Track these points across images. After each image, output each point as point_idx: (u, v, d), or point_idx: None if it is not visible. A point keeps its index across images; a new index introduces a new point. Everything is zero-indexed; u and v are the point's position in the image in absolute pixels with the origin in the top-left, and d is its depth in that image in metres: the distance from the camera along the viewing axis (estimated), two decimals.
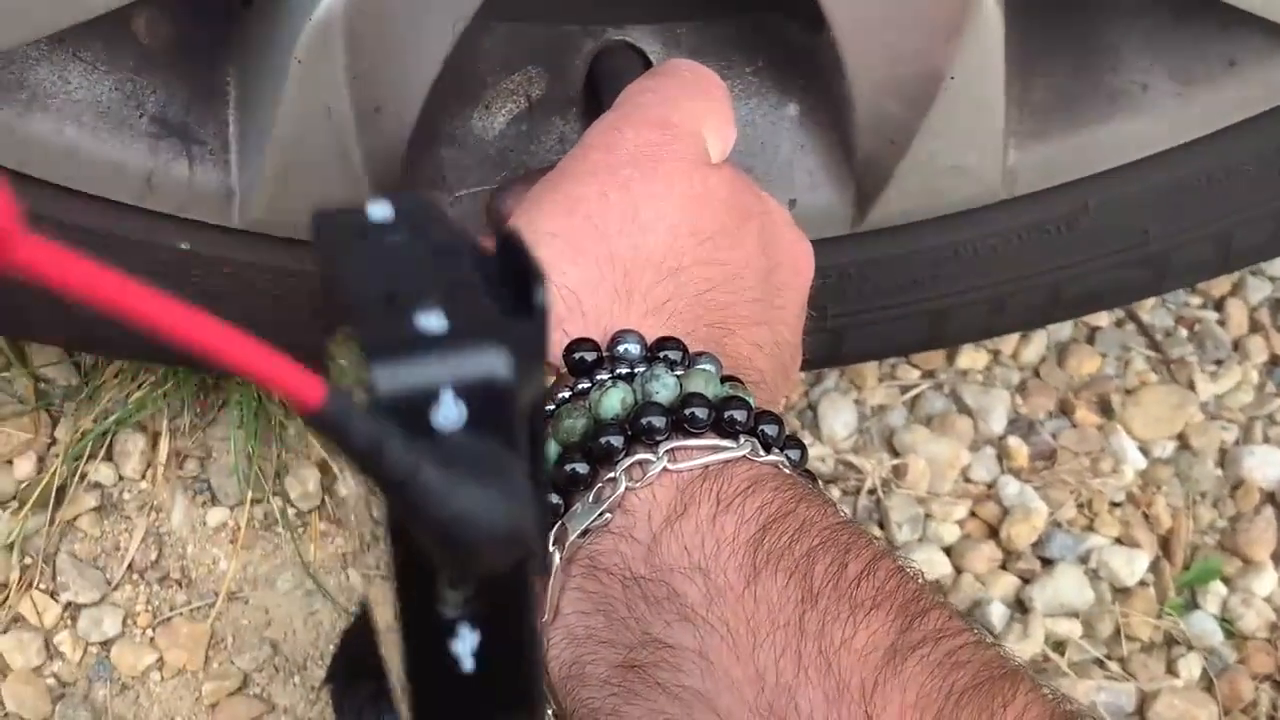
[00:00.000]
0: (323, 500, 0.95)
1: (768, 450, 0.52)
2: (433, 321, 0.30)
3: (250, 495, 0.94)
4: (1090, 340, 1.11)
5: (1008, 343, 1.09)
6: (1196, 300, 1.14)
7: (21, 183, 0.70)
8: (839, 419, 1.05)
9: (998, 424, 1.06)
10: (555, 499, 0.51)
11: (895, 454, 1.04)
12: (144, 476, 0.95)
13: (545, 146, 0.77)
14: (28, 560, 0.91)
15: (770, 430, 0.52)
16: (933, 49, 0.71)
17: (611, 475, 0.50)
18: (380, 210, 0.34)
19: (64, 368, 0.97)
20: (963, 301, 0.88)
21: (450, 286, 0.31)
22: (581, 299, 0.54)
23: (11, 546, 0.91)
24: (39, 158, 0.69)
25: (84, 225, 0.72)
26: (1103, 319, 1.12)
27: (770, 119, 0.78)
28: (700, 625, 0.45)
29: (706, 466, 0.50)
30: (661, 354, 0.53)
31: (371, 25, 0.63)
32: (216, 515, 0.94)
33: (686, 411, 0.51)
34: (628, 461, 0.50)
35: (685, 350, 0.53)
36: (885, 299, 0.86)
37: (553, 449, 0.52)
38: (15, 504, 0.93)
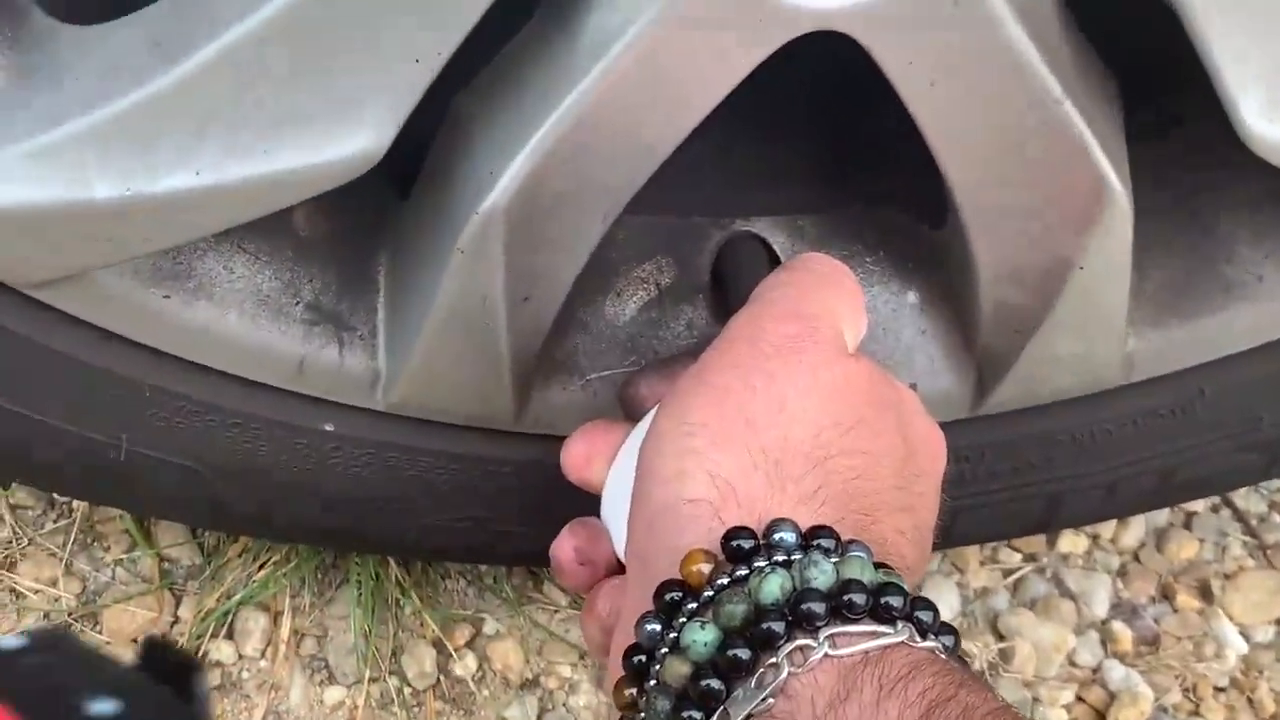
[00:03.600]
0: (438, 680, 0.95)
1: (924, 636, 0.52)
2: (106, 706, 0.35)
3: (367, 674, 0.94)
4: (1188, 525, 1.11)
5: (1106, 528, 1.09)
6: None
7: (180, 367, 0.72)
8: (943, 602, 1.04)
9: (1100, 608, 1.06)
10: (717, 684, 0.51)
11: (1000, 637, 1.03)
12: (264, 655, 0.95)
13: (674, 333, 0.79)
14: None
15: (925, 616, 0.52)
16: (1064, 240, 0.71)
17: (773, 660, 0.50)
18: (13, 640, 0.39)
19: (188, 548, 0.98)
20: (1076, 486, 0.88)
21: (116, 681, 0.36)
22: (736, 487, 0.55)
23: None
24: (200, 343, 0.71)
25: (229, 408, 0.75)
26: (1199, 504, 1.12)
27: (891, 306, 0.80)
28: None
29: (867, 652, 0.50)
30: (816, 541, 0.54)
31: (531, 217, 0.65)
32: (334, 694, 0.95)
33: (845, 597, 0.51)
34: (789, 647, 0.50)
35: (838, 538, 0.54)
36: (999, 482, 0.87)
37: (714, 634, 0.52)
38: None
